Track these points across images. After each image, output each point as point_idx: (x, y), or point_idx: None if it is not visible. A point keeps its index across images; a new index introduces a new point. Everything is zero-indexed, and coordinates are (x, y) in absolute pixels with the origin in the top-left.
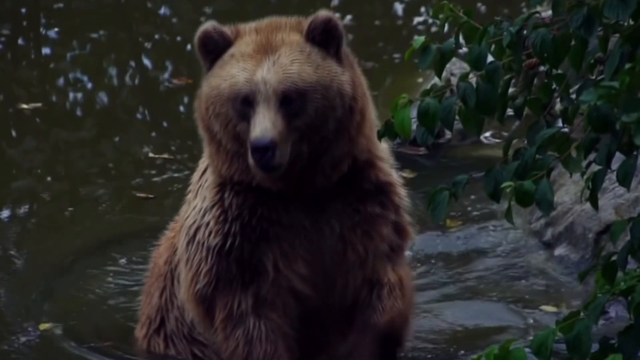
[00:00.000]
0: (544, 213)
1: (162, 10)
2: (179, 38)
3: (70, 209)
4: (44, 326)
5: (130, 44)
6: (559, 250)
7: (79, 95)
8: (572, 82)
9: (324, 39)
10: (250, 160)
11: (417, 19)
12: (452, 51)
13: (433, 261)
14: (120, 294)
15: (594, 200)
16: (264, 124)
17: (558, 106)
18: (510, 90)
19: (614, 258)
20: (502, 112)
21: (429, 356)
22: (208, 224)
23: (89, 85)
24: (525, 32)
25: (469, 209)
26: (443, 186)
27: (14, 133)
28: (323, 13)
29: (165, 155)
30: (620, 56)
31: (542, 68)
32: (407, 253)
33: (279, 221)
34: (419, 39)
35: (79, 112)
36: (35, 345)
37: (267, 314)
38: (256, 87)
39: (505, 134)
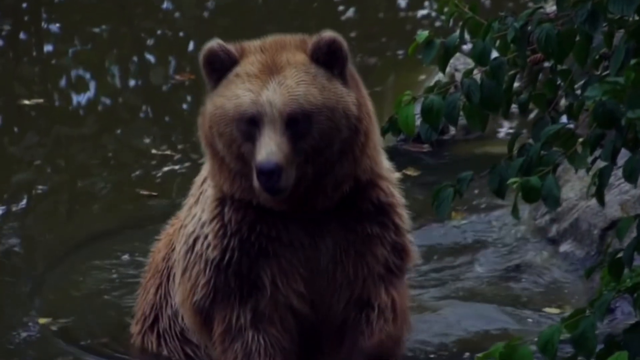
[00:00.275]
0: (551, 209)
1: (165, 5)
2: (181, 33)
3: (71, 202)
4: (43, 320)
5: (132, 39)
6: (564, 247)
7: (81, 91)
8: (577, 77)
9: (328, 59)
10: (256, 183)
11: (421, 12)
12: (456, 46)
13: (436, 257)
14: (120, 287)
15: (600, 197)
16: (269, 147)
17: (563, 102)
18: (515, 85)
19: (620, 255)
20: (507, 108)
21: (430, 356)
22: (207, 236)
23: (91, 81)
24: (529, 27)
25: (474, 202)
26: (447, 183)
27: (15, 129)
28: (327, 34)
29: (168, 152)
30: (625, 52)
31: (546, 64)
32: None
33: (278, 238)
34: (422, 34)
35: (80, 109)
36: (35, 340)
37: (266, 328)
38: (262, 109)
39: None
